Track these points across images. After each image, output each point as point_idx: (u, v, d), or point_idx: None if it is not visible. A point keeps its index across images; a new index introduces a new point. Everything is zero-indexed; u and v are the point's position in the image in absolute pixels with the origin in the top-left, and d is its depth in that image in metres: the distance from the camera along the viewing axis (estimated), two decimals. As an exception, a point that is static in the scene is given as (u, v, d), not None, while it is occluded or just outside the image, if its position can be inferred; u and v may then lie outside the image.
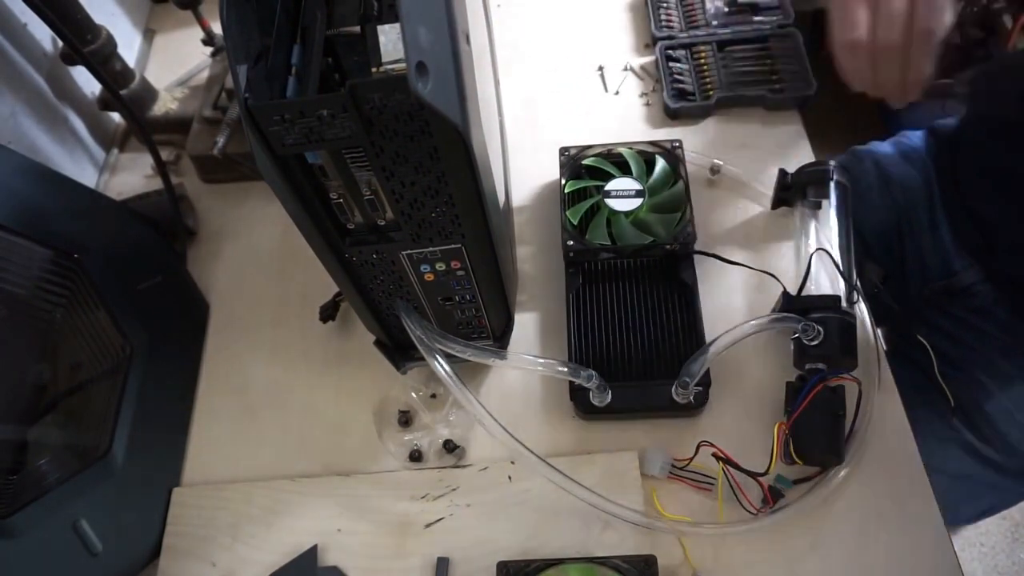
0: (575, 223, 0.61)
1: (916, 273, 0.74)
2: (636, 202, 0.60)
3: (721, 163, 0.67)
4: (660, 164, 0.63)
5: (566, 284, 0.61)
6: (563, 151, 0.66)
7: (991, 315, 0.68)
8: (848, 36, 0.47)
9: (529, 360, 0.51)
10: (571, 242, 0.60)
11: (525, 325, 0.62)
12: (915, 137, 0.78)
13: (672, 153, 0.64)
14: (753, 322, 0.52)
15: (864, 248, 0.77)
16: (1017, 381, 0.66)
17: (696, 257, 0.60)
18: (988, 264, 0.69)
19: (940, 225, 0.72)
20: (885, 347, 0.57)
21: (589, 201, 0.62)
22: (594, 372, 0.52)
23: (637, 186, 0.61)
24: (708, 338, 0.54)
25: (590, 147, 0.65)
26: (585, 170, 0.64)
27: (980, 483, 0.67)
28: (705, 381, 0.55)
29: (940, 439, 0.67)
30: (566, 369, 0.51)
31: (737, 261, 0.60)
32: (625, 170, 0.63)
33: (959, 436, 0.66)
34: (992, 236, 0.67)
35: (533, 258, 0.66)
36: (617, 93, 0.76)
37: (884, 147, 0.80)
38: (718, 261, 0.60)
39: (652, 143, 0.65)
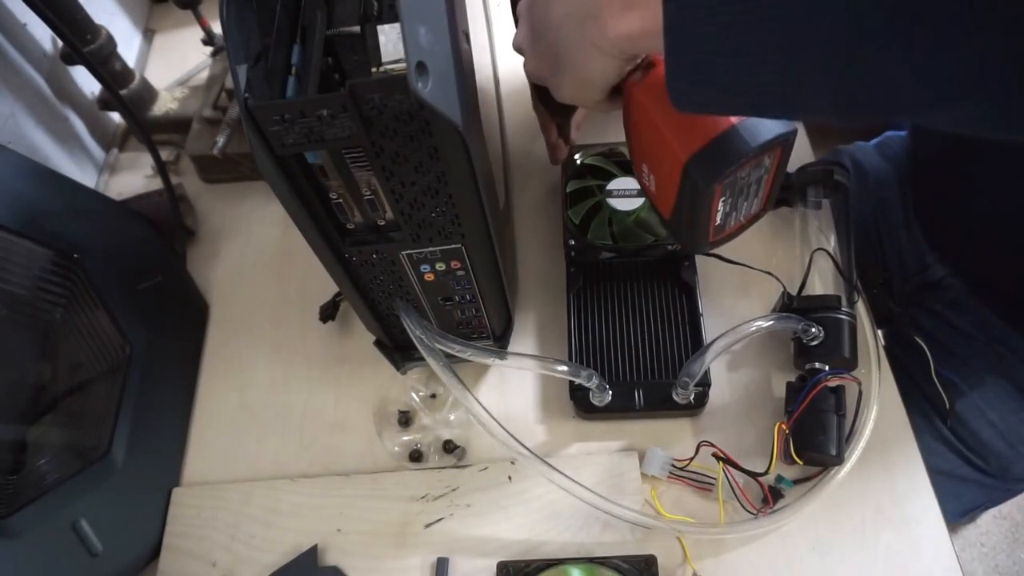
0: (577, 222, 0.61)
1: (896, 269, 0.75)
2: (638, 201, 0.60)
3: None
4: None
5: (567, 283, 0.61)
6: None
7: (964, 308, 0.69)
8: None
9: (529, 360, 0.51)
10: (572, 241, 0.60)
11: (526, 325, 0.62)
12: (894, 139, 0.79)
13: None
14: (753, 323, 0.52)
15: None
16: (988, 379, 0.66)
17: (697, 257, 0.60)
18: (954, 257, 0.70)
19: (913, 221, 0.73)
20: (884, 345, 0.57)
21: (591, 200, 0.62)
22: (594, 371, 0.52)
23: (638, 185, 0.61)
24: (708, 338, 0.54)
25: (592, 146, 0.65)
26: (587, 169, 0.64)
27: (964, 480, 0.68)
28: (705, 381, 0.55)
29: (923, 436, 0.67)
30: (566, 368, 0.51)
31: (738, 261, 0.60)
32: (627, 169, 0.63)
33: (941, 433, 0.67)
34: (955, 229, 0.68)
35: (534, 258, 0.66)
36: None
37: (865, 145, 0.80)
38: (718, 261, 0.60)
39: None
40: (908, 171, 0.75)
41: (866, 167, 0.78)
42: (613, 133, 0.66)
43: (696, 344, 0.56)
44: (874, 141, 0.82)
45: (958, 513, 0.72)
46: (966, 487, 0.68)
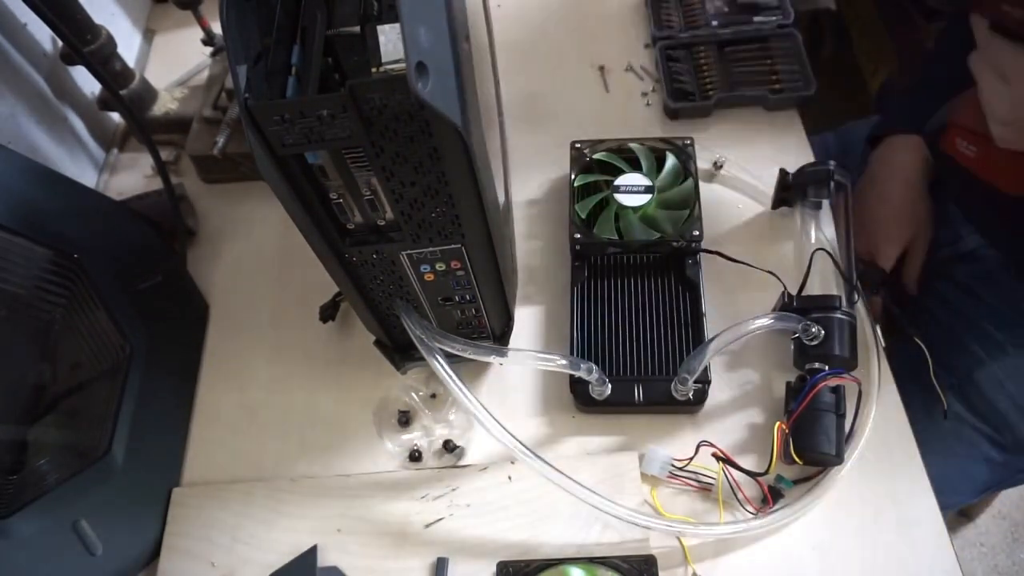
0: (583, 217, 0.61)
1: None
2: (645, 198, 0.61)
3: (725, 158, 0.67)
4: (671, 161, 0.63)
5: (571, 277, 0.61)
6: (574, 145, 0.66)
7: (994, 280, 0.69)
8: None
9: (529, 355, 0.51)
10: (578, 235, 0.60)
11: (529, 318, 0.63)
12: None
13: (683, 150, 0.64)
14: (753, 321, 0.52)
15: None
16: (1010, 350, 0.66)
17: (701, 255, 0.60)
18: (991, 230, 0.70)
19: (947, 191, 0.73)
20: (884, 345, 0.57)
21: (598, 196, 0.62)
22: (594, 365, 0.52)
23: (647, 182, 0.61)
24: (709, 336, 0.54)
25: (601, 142, 0.66)
26: (596, 165, 0.65)
27: (975, 458, 0.68)
28: (704, 379, 0.55)
29: (933, 420, 0.67)
30: (565, 362, 0.51)
31: (740, 259, 0.60)
32: (635, 166, 0.63)
33: (952, 409, 0.66)
34: (990, 200, 0.68)
35: (540, 252, 0.66)
36: (614, 92, 0.76)
37: None
38: (719, 258, 0.60)
39: (663, 139, 0.65)
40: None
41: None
42: (611, 133, 0.67)
43: (697, 341, 0.57)
44: None
45: (972, 493, 0.72)
46: (977, 466, 0.68)
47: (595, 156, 0.65)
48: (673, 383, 0.54)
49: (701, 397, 0.55)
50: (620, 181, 0.62)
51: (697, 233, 0.59)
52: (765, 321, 0.52)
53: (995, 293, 0.68)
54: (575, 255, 0.61)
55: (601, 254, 0.61)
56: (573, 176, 0.64)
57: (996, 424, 0.66)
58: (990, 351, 0.66)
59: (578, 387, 0.55)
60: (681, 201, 0.61)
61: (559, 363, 0.51)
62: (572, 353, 0.57)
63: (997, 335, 0.67)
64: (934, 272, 0.74)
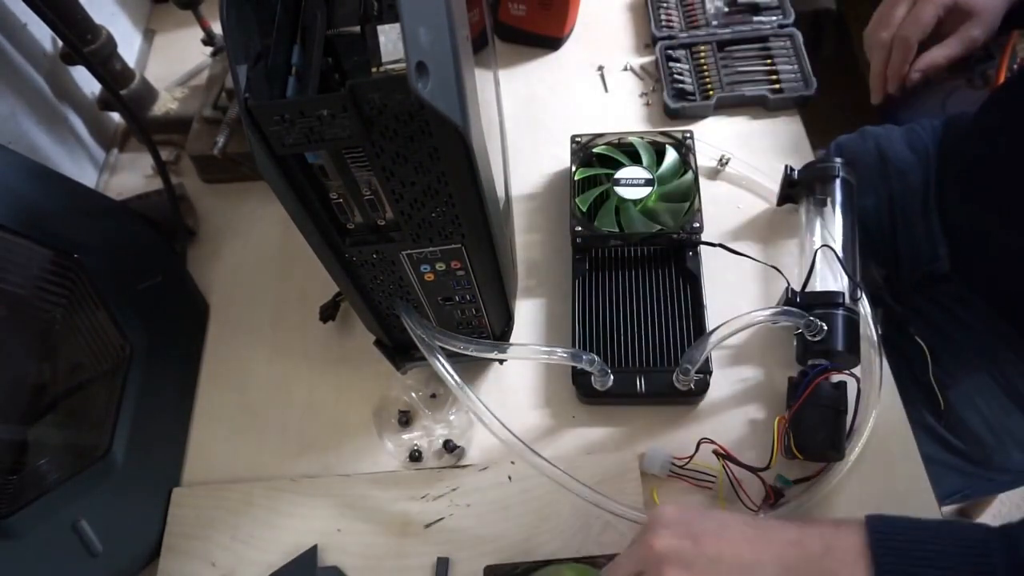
0: (584, 210, 0.61)
1: (908, 258, 0.76)
2: (645, 191, 0.61)
3: (730, 155, 0.67)
4: (670, 154, 0.63)
5: (572, 270, 0.61)
6: (574, 139, 0.66)
7: (969, 302, 0.69)
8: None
9: (530, 349, 0.51)
10: (579, 228, 0.60)
11: (530, 312, 0.63)
12: (927, 127, 0.79)
13: (683, 143, 0.64)
14: (756, 313, 0.52)
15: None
16: (983, 370, 0.66)
17: (702, 248, 0.60)
18: (964, 257, 0.70)
19: (932, 212, 0.74)
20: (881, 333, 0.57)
21: (599, 189, 0.62)
22: (596, 356, 0.52)
23: (647, 175, 0.61)
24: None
25: (601, 135, 0.66)
26: (596, 158, 0.65)
27: (944, 466, 0.68)
28: (706, 369, 0.55)
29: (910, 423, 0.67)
30: (567, 354, 0.51)
31: (743, 252, 0.60)
32: (636, 159, 0.63)
33: (922, 419, 0.67)
34: (972, 233, 0.68)
35: (540, 245, 0.66)
36: (614, 92, 0.76)
37: (894, 132, 0.80)
38: (724, 253, 0.60)
39: (663, 133, 0.66)
40: (936, 164, 0.75)
41: (889, 154, 0.78)
42: (622, 123, 0.67)
43: (699, 333, 0.57)
44: (904, 127, 0.81)
45: (938, 498, 0.72)
46: (946, 473, 0.68)
47: (595, 150, 0.65)
48: (675, 373, 0.54)
49: (703, 387, 0.55)
50: (620, 174, 0.62)
51: (697, 225, 0.59)
52: (768, 314, 0.53)
53: (970, 312, 0.69)
54: (576, 248, 0.62)
55: (602, 247, 0.62)
56: (573, 169, 0.64)
57: (965, 439, 0.66)
58: (965, 369, 0.67)
59: (580, 378, 0.56)
60: (681, 194, 0.62)
61: (560, 355, 0.51)
62: (574, 345, 0.57)
63: (970, 354, 0.67)
64: (915, 288, 0.74)
